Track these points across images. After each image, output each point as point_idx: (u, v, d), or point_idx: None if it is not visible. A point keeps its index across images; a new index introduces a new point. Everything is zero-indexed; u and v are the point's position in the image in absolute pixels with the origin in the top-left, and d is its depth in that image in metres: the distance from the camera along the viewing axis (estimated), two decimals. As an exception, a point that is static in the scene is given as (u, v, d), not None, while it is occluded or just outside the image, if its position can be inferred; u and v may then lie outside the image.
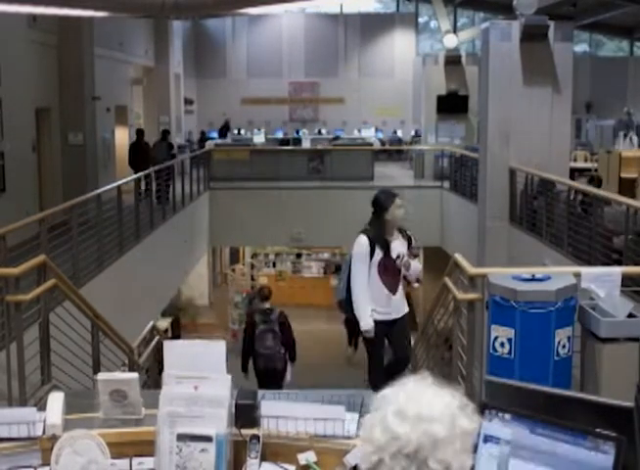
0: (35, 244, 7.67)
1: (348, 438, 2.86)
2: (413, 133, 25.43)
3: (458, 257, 5.63)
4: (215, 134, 26.56)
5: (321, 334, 19.66)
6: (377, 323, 5.97)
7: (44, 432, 2.82)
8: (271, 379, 9.26)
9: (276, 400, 3.04)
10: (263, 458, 2.84)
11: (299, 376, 16.30)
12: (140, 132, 16.25)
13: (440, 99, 18.52)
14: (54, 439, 2.77)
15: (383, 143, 24.97)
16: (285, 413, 2.89)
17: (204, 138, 24.84)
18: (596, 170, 14.99)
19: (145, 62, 19.93)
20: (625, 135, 13.04)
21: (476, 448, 1.95)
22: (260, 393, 3.12)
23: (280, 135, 26.63)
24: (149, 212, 11.72)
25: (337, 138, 24.77)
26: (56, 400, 2.93)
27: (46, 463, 2.78)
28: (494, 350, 4.77)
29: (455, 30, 24.09)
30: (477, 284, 5.29)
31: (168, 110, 20.69)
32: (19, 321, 5.43)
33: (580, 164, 15.80)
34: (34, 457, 2.79)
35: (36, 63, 12.63)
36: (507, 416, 1.95)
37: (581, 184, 10.45)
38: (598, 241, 8.44)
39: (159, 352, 8.65)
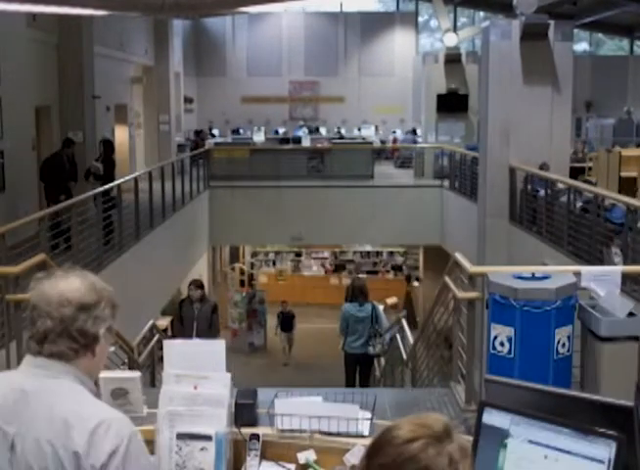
0: (35, 243, 7.67)
1: (362, 436, 2.86)
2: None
3: (458, 255, 5.63)
4: (216, 132, 26.61)
5: (321, 332, 19.65)
6: None
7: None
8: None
9: (290, 398, 3.04)
10: (263, 457, 2.84)
11: (300, 374, 16.33)
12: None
13: (440, 98, 18.51)
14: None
15: (383, 142, 24.92)
16: (299, 411, 2.89)
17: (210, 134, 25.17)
18: (590, 169, 15.03)
19: (145, 60, 19.91)
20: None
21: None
22: (273, 391, 3.13)
23: (283, 130, 26.70)
24: (148, 211, 11.72)
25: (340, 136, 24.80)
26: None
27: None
28: (494, 348, 4.77)
29: (455, 29, 24.07)
30: (476, 283, 5.30)
31: (168, 108, 20.67)
32: (18, 320, 5.43)
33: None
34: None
35: (36, 61, 12.62)
36: (507, 415, 1.95)
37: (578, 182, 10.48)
38: (598, 240, 8.45)
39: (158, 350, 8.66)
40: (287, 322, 17.92)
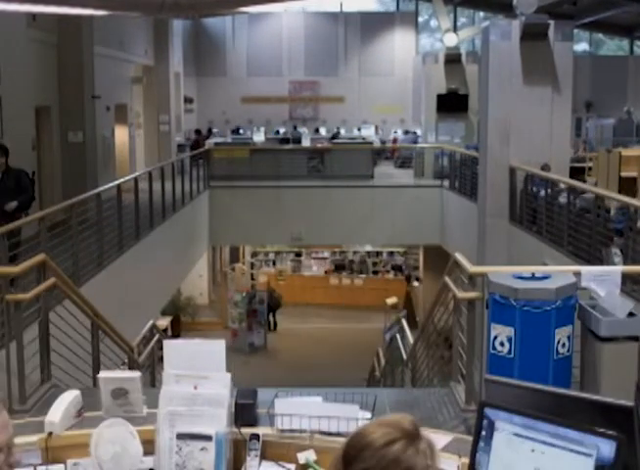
0: (35, 243, 7.66)
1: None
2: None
3: (458, 255, 5.62)
4: (215, 131, 26.58)
5: (320, 332, 19.67)
6: None
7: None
8: None
9: (290, 398, 3.04)
10: (263, 457, 2.84)
11: (300, 374, 16.33)
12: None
13: (440, 98, 18.52)
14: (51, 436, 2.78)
15: (383, 142, 24.92)
16: (299, 411, 2.89)
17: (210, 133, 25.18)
18: (590, 168, 15.04)
19: (145, 60, 19.90)
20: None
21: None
22: (273, 391, 3.13)
23: (283, 130, 26.73)
24: (148, 211, 11.71)
25: (336, 135, 24.80)
26: (63, 400, 2.94)
27: (45, 462, 2.78)
28: (494, 348, 4.77)
29: (455, 29, 24.07)
30: (476, 283, 5.29)
31: (168, 108, 20.67)
32: (18, 320, 5.42)
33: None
34: (34, 456, 2.79)
35: (36, 61, 12.62)
36: (507, 415, 1.95)
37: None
38: (598, 240, 8.44)
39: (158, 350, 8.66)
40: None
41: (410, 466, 1.55)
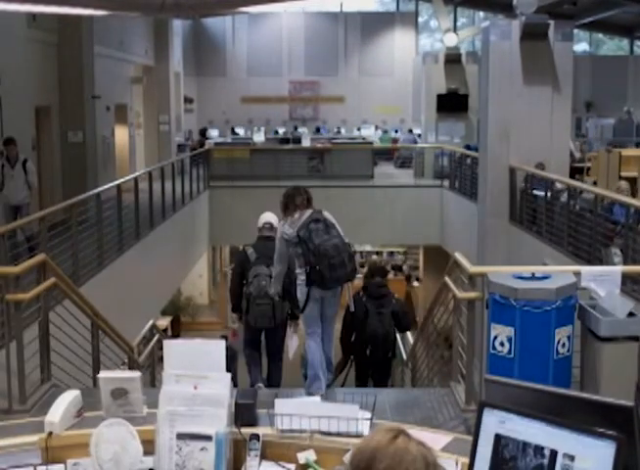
0: (35, 243, 7.67)
1: (362, 436, 2.85)
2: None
3: (458, 255, 5.63)
4: (215, 133, 26.58)
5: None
6: None
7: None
8: None
9: (290, 398, 3.04)
10: (263, 457, 2.84)
11: (300, 374, 16.28)
12: None
13: (440, 98, 18.53)
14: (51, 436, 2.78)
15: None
16: (299, 411, 2.89)
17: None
18: (589, 168, 15.03)
19: (145, 60, 19.90)
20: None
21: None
22: (273, 391, 3.14)
23: (283, 130, 26.72)
24: (148, 211, 11.71)
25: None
26: (63, 400, 2.94)
27: (45, 462, 2.78)
28: (494, 348, 4.78)
29: (455, 29, 24.06)
30: (476, 283, 5.30)
31: (168, 108, 20.67)
32: (18, 320, 5.42)
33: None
34: (34, 456, 2.79)
35: (36, 61, 12.63)
36: (507, 415, 1.95)
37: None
38: (598, 240, 8.44)
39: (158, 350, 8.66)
40: None
41: (422, 454, 1.69)
